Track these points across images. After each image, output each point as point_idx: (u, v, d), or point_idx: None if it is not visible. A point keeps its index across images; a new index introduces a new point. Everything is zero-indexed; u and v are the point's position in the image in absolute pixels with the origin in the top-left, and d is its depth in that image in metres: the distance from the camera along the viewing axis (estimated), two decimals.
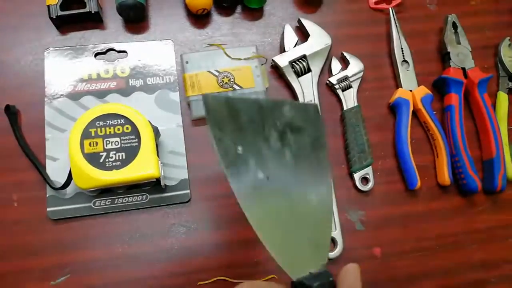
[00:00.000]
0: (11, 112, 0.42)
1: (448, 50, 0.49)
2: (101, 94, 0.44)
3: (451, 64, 0.49)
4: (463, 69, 0.49)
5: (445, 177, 0.46)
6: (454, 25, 0.51)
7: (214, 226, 0.42)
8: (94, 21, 0.46)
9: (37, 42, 0.45)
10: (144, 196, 0.42)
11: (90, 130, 0.39)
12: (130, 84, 0.45)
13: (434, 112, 0.48)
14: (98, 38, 0.46)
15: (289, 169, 0.29)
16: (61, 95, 0.44)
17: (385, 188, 0.46)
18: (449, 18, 0.51)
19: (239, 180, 0.25)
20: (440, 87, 0.50)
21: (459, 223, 0.46)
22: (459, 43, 0.50)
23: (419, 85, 0.49)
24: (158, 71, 0.46)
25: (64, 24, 0.46)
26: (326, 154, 0.31)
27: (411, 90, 0.48)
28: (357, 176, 0.45)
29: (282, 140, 0.29)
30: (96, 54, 0.46)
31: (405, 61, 0.49)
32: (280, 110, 0.29)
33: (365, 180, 0.46)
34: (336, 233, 0.43)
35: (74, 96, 0.44)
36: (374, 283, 0.43)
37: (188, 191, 0.43)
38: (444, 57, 0.50)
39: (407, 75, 0.49)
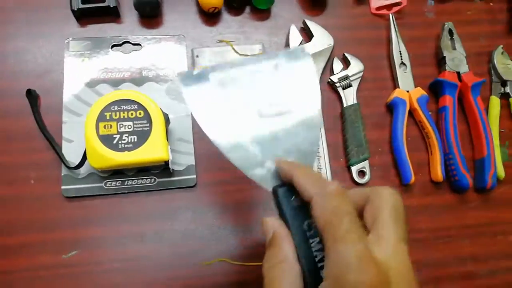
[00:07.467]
0: (32, 96, 0.45)
1: (444, 55, 0.52)
2: (115, 83, 0.47)
3: (446, 68, 0.52)
4: (458, 73, 0.52)
5: (438, 173, 0.48)
6: (450, 32, 0.53)
7: (217, 211, 0.45)
8: (112, 15, 0.49)
9: (58, 32, 0.48)
10: (153, 179, 0.44)
11: (105, 113, 0.41)
12: (143, 75, 0.48)
13: (429, 112, 0.50)
14: (115, 31, 0.49)
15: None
16: (79, 82, 0.47)
17: (381, 182, 0.48)
18: (446, 26, 0.54)
19: None
20: (435, 90, 0.52)
21: (450, 218, 0.48)
22: (454, 48, 0.53)
23: (415, 86, 0.51)
24: (170, 64, 0.49)
25: (83, 17, 0.49)
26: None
27: (407, 91, 0.51)
28: (354, 169, 0.48)
29: None
30: (113, 46, 0.48)
31: (403, 63, 0.52)
32: None
33: (362, 173, 0.48)
34: None
35: (91, 83, 0.47)
36: None
37: (194, 176, 0.45)
38: (440, 62, 0.53)
39: (404, 77, 0.52)
